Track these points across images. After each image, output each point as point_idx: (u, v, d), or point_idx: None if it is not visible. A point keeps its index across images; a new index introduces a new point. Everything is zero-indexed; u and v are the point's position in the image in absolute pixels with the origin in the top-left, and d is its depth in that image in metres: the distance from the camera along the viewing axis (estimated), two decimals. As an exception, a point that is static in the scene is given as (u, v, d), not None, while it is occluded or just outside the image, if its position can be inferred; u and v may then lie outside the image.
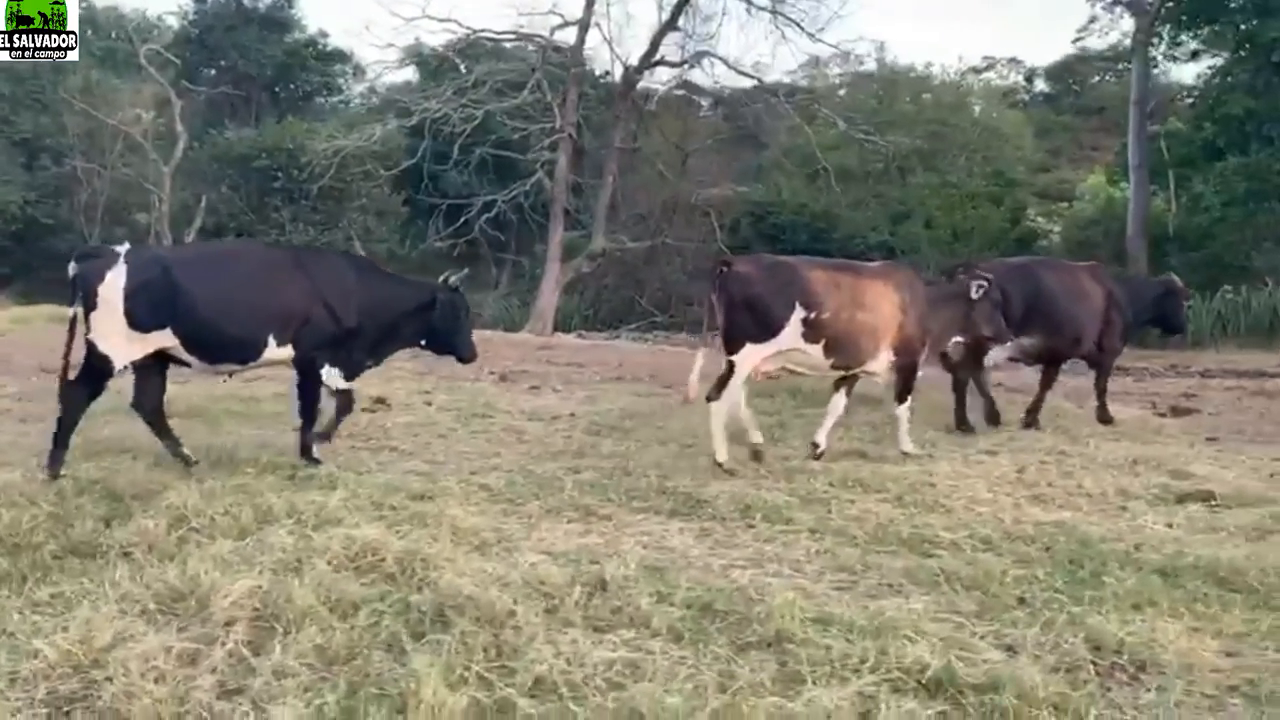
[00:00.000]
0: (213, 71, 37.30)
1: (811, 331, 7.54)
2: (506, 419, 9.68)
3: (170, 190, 30.39)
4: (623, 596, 4.47)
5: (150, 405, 7.32)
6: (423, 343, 7.97)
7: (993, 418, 9.56)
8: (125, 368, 7.05)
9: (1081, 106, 44.63)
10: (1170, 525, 5.97)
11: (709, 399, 7.60)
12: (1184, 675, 3.83)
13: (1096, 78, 45.15)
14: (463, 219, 27.33)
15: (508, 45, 28.95)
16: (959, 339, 8.65)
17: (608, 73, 30.90)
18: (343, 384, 7.54)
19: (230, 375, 7.99)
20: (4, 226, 29.71)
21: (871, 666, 3.75)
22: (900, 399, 8.14)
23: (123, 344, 6.90)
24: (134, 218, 31.97)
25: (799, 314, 7.48)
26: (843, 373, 8.00)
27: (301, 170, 28.51)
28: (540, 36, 27.28)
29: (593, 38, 28.17)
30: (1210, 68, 27.72)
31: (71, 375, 6.96)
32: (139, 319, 6.85)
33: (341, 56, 39.55)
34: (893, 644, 3.90)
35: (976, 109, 37.80)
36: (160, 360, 7.18)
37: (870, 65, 36.79)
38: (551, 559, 5.02)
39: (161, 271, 6.93)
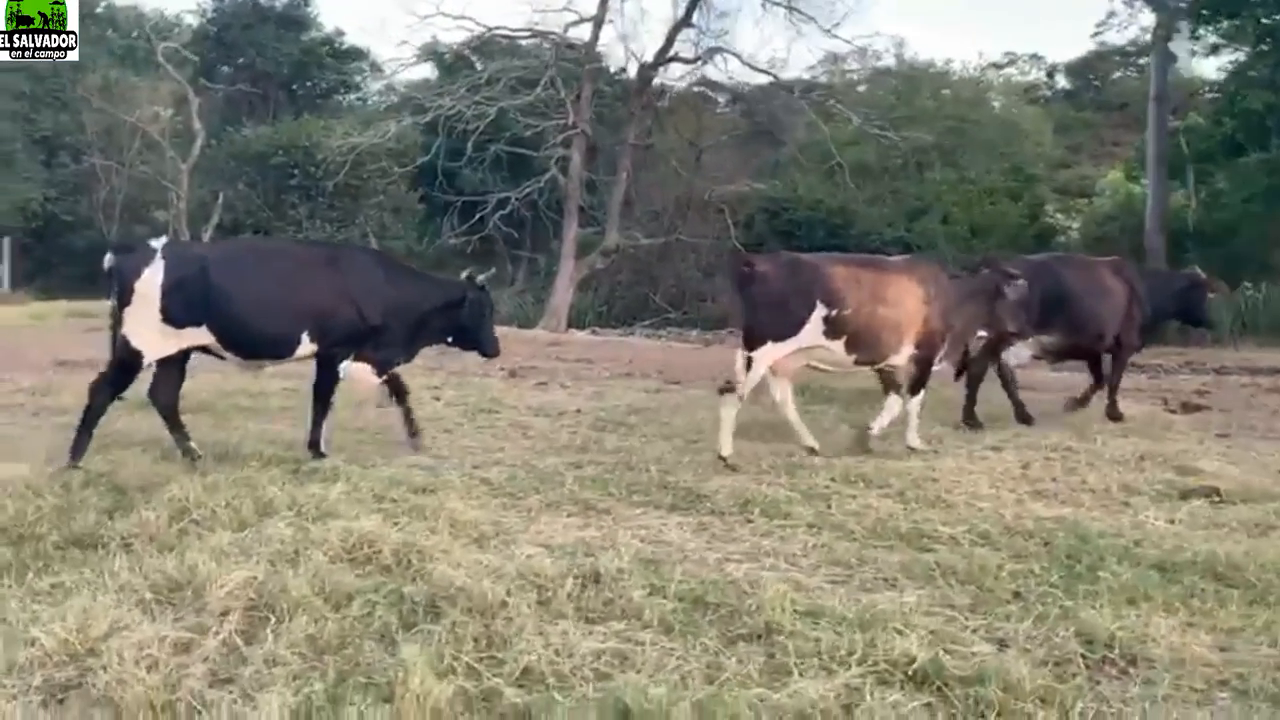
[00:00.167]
0: (230, 69, 37.51)
1: (833, 329, 7.59)
2: (513, 414, 9.73)
3: (188, 187, 30.63)
4: (616, 589, 4.48)
5: (166, 398, 7.39)
6: (449, 339, 8.16)
7: (1023, 417, 9.53)
8: (152, 363, 7.14)
9: (1102, 102, 44.26)
10: (1172, 521, 5.94)
11: (721, 391, 7.64)
12: (1174, 669, 3.81)
13: (1118, 73, 44.76)
14: (477, 216, 27.40)
15: (523, 42, 28.97)
16: (983, 334, 8.62)
17: (623, 69, 30.91)
18: (373, 379, 7.69)
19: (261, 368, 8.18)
20: (25, 224, 30.05)
21: (859, 659, 3.76)
22: (913, 392, 8.12)
23: (156, 339, 6.99)
24: (152, 215, 32.21)
25: (820, 312, 7.54)
26: (866, 368, 8.04)
27: (318, 167, 28.70)
28: (554, 33, 27.29)
29: (607, 34, 28.11)
30: (1230, 62, 27.47)
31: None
32: (175, 315, 6.95)
33: (358, 54, 39.77)
34: (881, 637, 3.90)
35: (996, 105, 37.61)
36: (183, 354, 7.27)
37: (889, 61, 36.70)
38: (547, 552, 5.05)
39: (199, 268, 7.02)
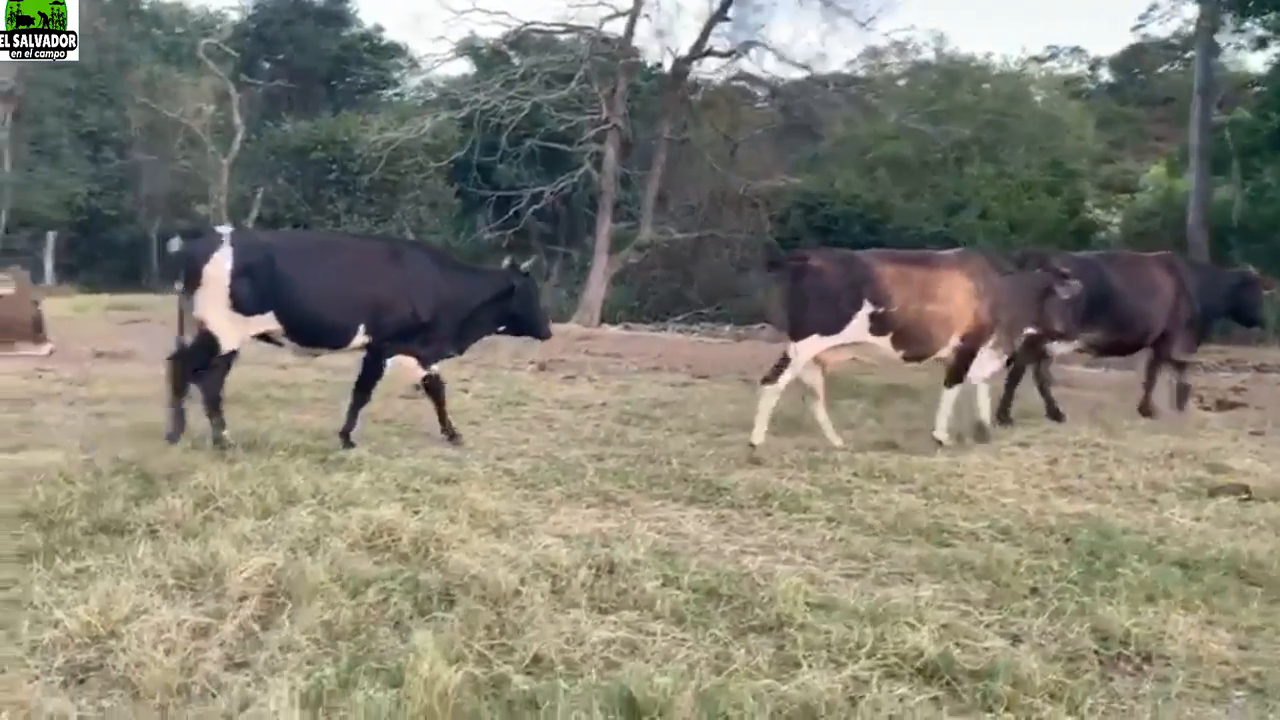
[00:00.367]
0: (270, 65, 37.95)
1: (879, 325, 7.66)
2: (539, 407, 9.78)
3: (228, 182, 31.07)
4: (629, 579, 4.50)
5: (213, 387, 7.44)
6: (501, 328, 8.31)
7: (1055, 414, 9.46)
8: (234, 351, 7.32)
9: (1146, 96, 43.65)
10: (1198, 518, 5.84)
11: (763, 382, 7.72)
12: (1190, 667, 3.76)
13: (1163, 67, 44.06)
14: (512, 210, 27.55)
15: (559, 37, 29.06)
16: (1031, 330, 8.56)
17: (658, 64, 30.90)
18: (420, 372, 7.85)
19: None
20: (70, 218, 30.56)
21: (869, 651, 3.74)
22: (950, 383, 8.11)
23: (229, 326, 7.11)
24: (193, 209, 32.69)
25: (867, 309, 7.61)
26: (915, 364, 8.08)
27: (356, 162, 28.97)
28: (590, 28, 27.34)
29: (642, 28, 28.11)
30: (1277, 55, 26.92)
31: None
32: (243, 301, 7.08)
33: (397, 50, 40.09)
34: (892, 630, 3.88)
35: (1038, 99, 37.14)
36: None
37: (929, 56, 36.39)
38: (564, 542, 5.06)
39: (265, 255, 7.15)
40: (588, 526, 5.55)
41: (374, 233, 27.74)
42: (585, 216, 29.22)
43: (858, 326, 7.64)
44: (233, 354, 7.41)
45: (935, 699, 3.48)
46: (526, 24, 27.72)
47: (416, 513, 5.40)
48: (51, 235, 31.30)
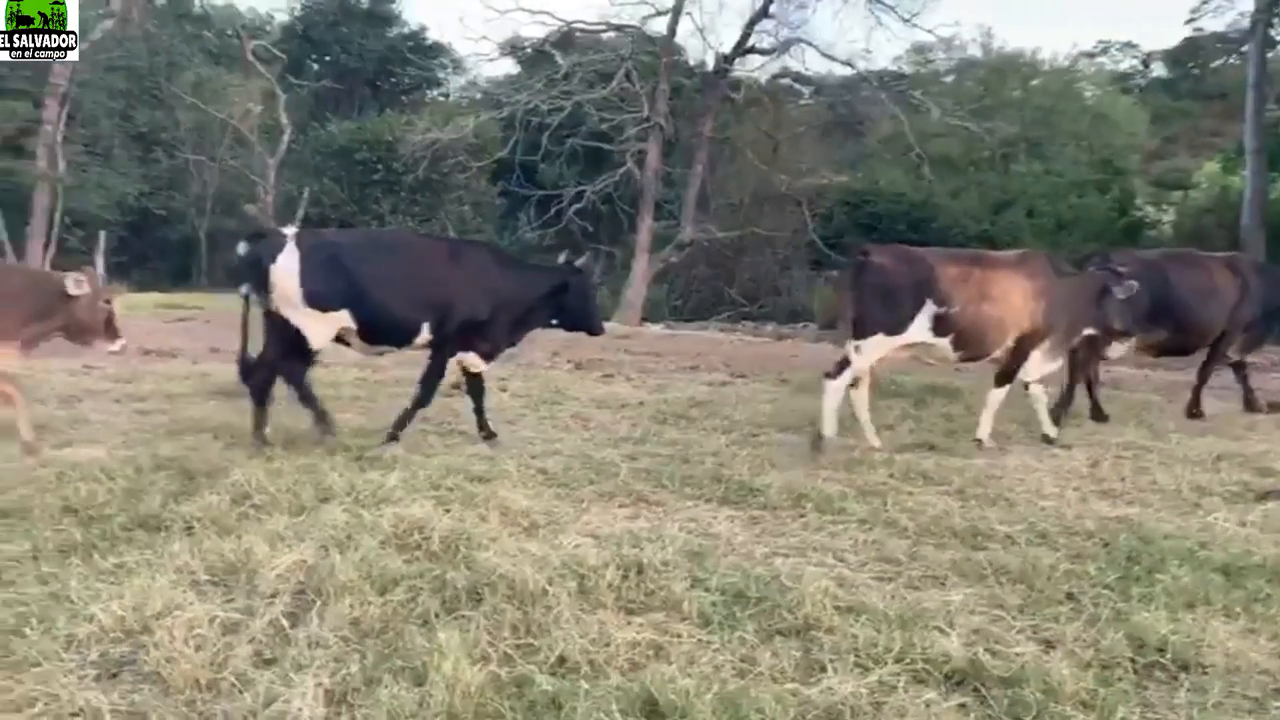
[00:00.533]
0: (317, 65, 38.37)
1: (940, 326, 7.61)
2: (575, 406, 9.77)
3: (275, 182, 31.40)
4: (658, 580, 4.47)
5: (261, 386, 7.52)
6: (554, 322, 8.33)
7: (1099, 415, 9.36)
8: (320, 350, 7.43)
9: (1201, 91, 42.68)
10: (1243, 523, 5.71)
11: (827, 376, 7.71)
12: (1228, 676, 3.69)
13: (1218, 61, 43.11)
14: (554, 210, 27.61)
15: (601, 36, 29.10)
16: (1090, 331, 8.45)
17: (700, 62, 30.82)
18: (481, 366, 7.93)
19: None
20: (121, 217, 31.07)
21: (896, 656, 3.71)
22: (1000, 383, 8.04)
23: (310, 323, 7.22)
24: (242, 209, 33.13)
25: (929, 309, 7.56)
26: (971, 363, 8.08)
27: (400, 162, 29.20)
28: (632, 26, 27.34)
29: (684, 27, 28.05)
30: (1335, 48, 26.27)
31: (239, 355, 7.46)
32: (317, 300, 7.17)
33: (441, 50, 40.33)
34: (921, 635, 3.84)
35: (1087, 95, 36.53)
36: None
37: (976, 52, 35.94)
38: (594, 542, 5.05)
39: (331, 255, 7.25)
40: (618, 526, 5.54)
41: (418, 232, 27.97)
42: (627, 215, 29.20)
43: (920, 326, 7.59)
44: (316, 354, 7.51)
45: (962, 705, 3.44)
46: (569, 23, 27.80)
47: (448, 511, 5.42)
48: (103, 235, 31.81)
